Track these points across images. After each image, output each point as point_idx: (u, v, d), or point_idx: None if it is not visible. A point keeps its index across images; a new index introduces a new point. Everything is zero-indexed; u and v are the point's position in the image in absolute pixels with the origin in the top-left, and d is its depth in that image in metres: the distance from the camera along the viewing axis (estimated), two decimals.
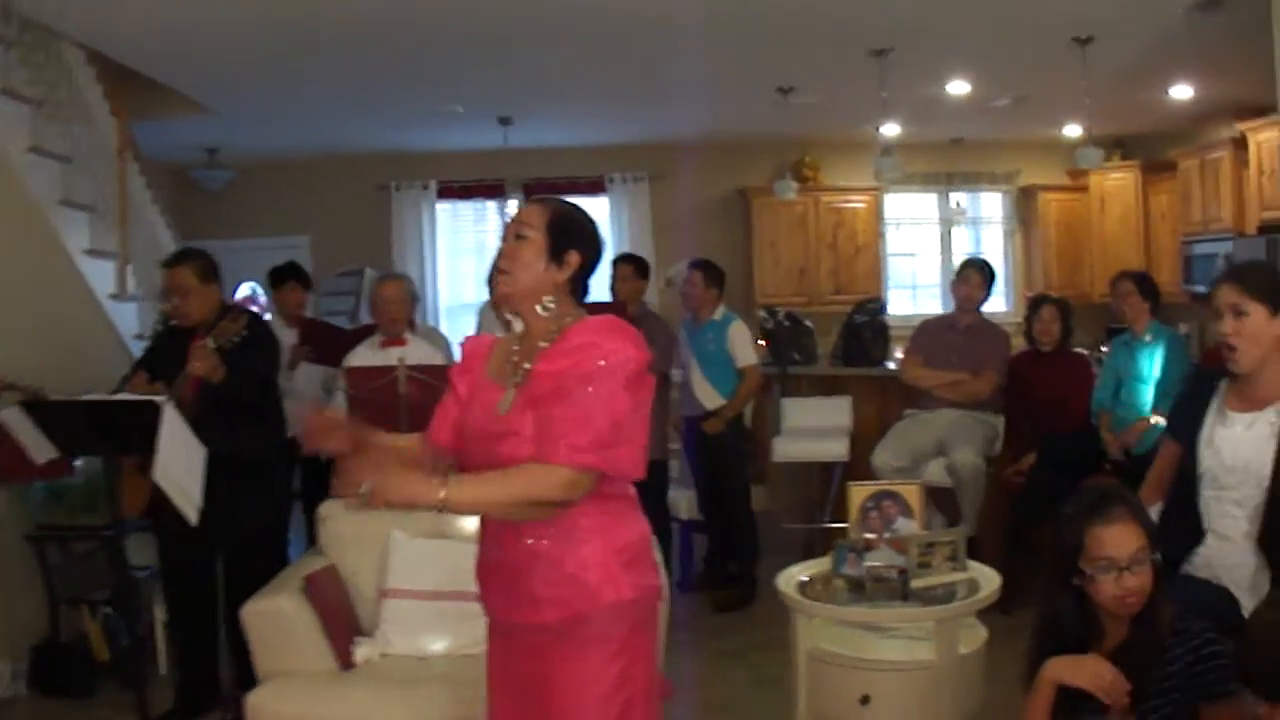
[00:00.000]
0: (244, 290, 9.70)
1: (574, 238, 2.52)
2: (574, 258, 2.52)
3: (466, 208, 10.20)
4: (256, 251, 8.93)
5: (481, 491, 2.35)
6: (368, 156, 9.76)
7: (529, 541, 2.43)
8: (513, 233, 2.53)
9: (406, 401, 4.96)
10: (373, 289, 5.43)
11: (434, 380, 4.69)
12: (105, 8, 5.59)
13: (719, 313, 6.06)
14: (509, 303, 2.60)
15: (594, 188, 9.94)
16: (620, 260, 6.15)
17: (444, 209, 10.15)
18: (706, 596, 6.11)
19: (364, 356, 5.36)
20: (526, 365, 2.46)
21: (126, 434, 4.12)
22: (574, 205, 2.62)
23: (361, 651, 3.87)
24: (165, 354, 4.83)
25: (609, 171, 9.98)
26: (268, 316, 6.53)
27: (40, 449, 4.27)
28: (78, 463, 5.07)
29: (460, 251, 10.24)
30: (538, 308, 2.51)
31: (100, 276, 6.21)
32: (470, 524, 4.01)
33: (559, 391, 2.36)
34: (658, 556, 2.67)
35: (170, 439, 3.98)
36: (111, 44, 6.26)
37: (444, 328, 9.49)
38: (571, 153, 9.78)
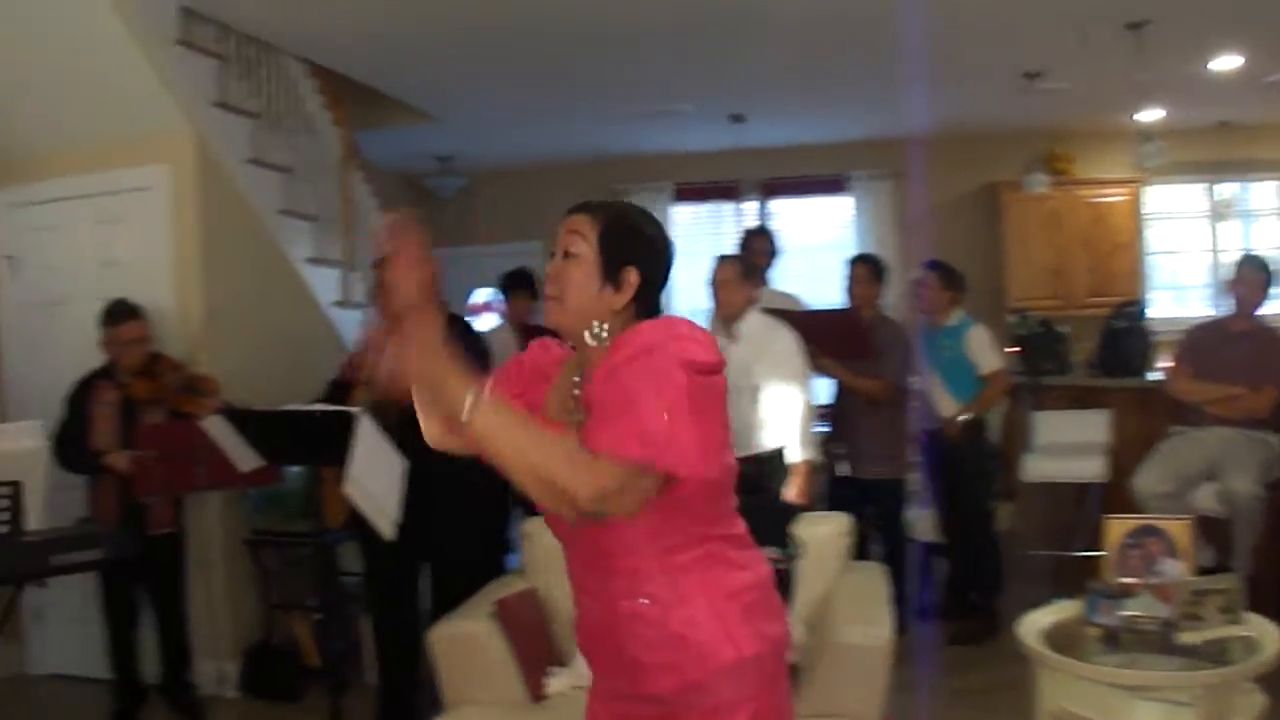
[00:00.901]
0: (482, 296, 9.74)
1: (632, 251, 2.10)
2: (632, 276, 2.09)
3: (702, 210, 9.92)
4: (490, 258, 8.90)
5: (510, 433, 1.87)
6: (600, 160, 9.63)
7: (624, 603, 2.08)
8: (562, 248, 2.12)
9: None
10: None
11: None
12: (323, 22, 5.63)
13: (956, 317, 5.55)
14: (562, 333, 2.17)
15: (834, 186, 9.48)
16: (855, 261, 5.74)
17: (679, 212, 9.90)
18: (944, 627, 5.61)
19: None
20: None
21: (324, 444, 4.00)
22: (633, 209, 2.20)
23: (555, 683, 3.62)
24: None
25: (850, 169, 9.50)
26: (499, 322, 6.49)
27: (244, 457, 4.24)
28: (295, 469, 5.09)
29: (696, 256, 9.95)
30: (587, 335, 2.10)
31: (324, 284, 6.24)
32: None
33: (607, 384, 1.96)
34: (780, 600, 2.24)
35: (364, 450, 3.83)
36: (331, 56, 6.30)
37: None
38: (809, 150, 9.35)
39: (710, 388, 1.97)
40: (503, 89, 7.16)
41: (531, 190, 9.83)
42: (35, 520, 3.78)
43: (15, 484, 3.69)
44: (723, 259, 4.95)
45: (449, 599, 4.22)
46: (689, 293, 9.55)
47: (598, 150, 9.35)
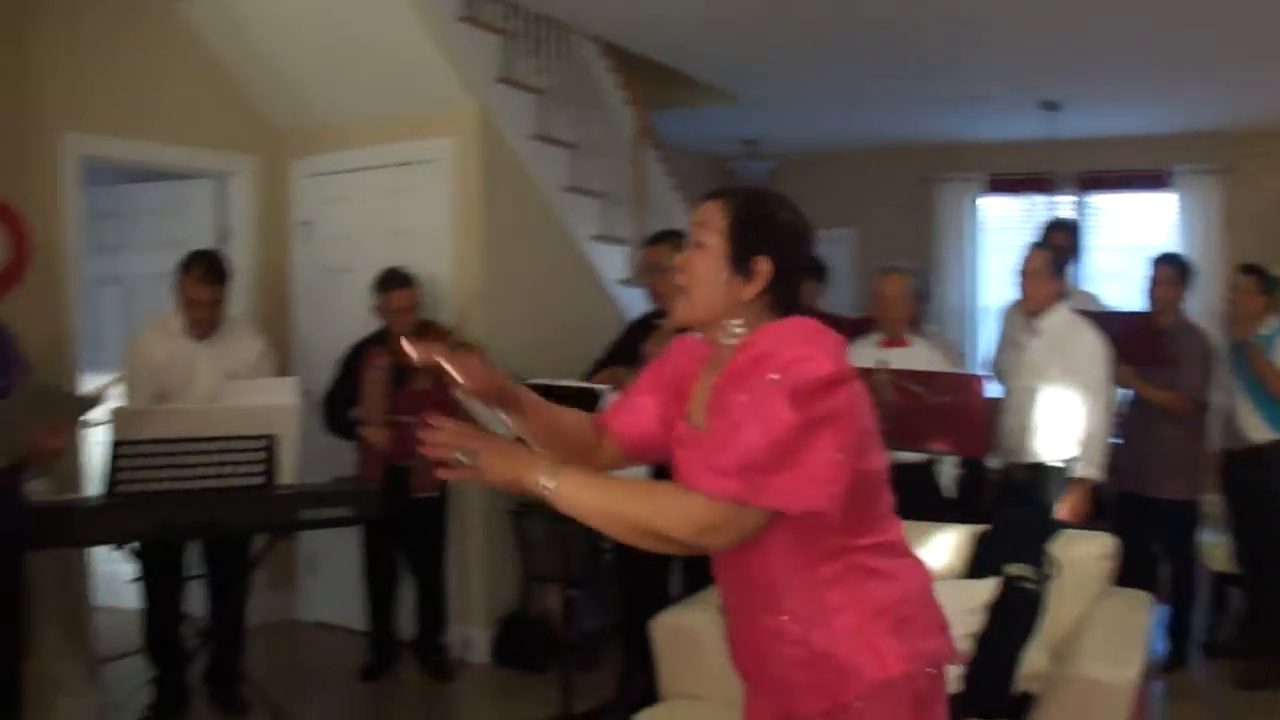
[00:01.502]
0: None
1: (763, 238, 1.93)
2: (764, 265, 1.92)
3: (1013, 203, 9.36)
4: None
5: (594, 498, 1.84)
6: (911, 148, 9.27)
7: (766, 620, 1.94)
8: (692, 239, 1.98)
9: (889, 410, 4.42)
10: (874, 283, 4.91)
11: (927, 391, 4.11)
12: (616, 1, 5.60)
13: (1270, 326, 4.90)
14: (693, 329, 2.06)
15: (1156, 182, 8.69)
16: (1159, 260, 5.17)
17: (989, 204, 9.38)
18: (1232, 666, 5.00)
19: (856, 355, 4.86)
20: None
21: None
22: (766, 194, 2.02)
23: None
24: (630, 338, 4.75)
25: (1173, 164, 8.68)
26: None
27: (500, 429, 4.26)
28: None
29: (1005, 250, 9.43)
30: (721, 335, 1.96)
31: (609, 262, 6.24)
32: (938, 555, 3.52)
33: (713, 405, 1.84)
34: (940, 612, 2.03)
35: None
36: (625, 35, 6.27)
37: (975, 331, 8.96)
38: (1130, 143, 8.60)
39: (826, 405, 1.78)
40: (808, 71, 6.96)
41: (843, 176, 9.60)
42: (288, 475, 3.95)
43: (270, 438, 3.86)
44: (1033, 247, 4.65)
45: (697, 590, 4.11)
46: (997, 287, 9.16)
47: (908, 137, 9.01)
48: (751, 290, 1.93)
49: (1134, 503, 4.94)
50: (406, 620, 5.17)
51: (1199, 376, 4.87)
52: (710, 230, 1.95)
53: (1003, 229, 9.18)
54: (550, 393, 3.98)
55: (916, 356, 4.55)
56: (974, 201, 9.33)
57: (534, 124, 5.69)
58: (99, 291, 5.92)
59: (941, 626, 2.00)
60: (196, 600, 4.69)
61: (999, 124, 8.33)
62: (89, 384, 5.82)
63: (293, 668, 5.34)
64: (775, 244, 1.94)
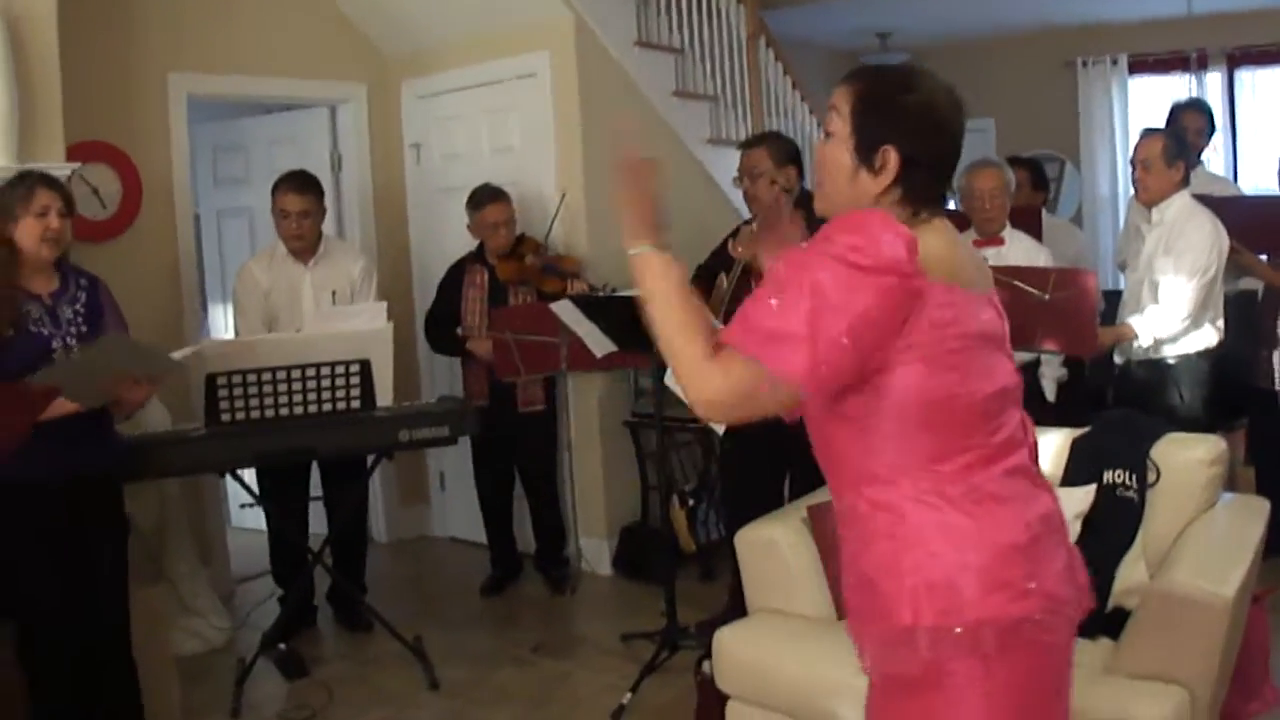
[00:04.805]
0: None
1: (889, 125, 1.76)
2: (890, 156, 1.76)
3: (1159, 83, 8.77)
4: None
5: (661, 309, 1.75)
6: (1050, 31, 8.73)
7: (833, 525, 1.84)
8: (824, 127, 1.85)
9: None
10: (963, 179, 4.67)
11: (1032, 288, 3.89)
12: None
13: None
14: None
15: None
16: None
17: (1135, 85, 8.82)
18: None
19: None
20: None
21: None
22: (899, 73, 1.85)
23: None
24: (725, 246, 4.65)
25: None
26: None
27: (597, 342, 4.26)
28: None
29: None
30: None
31: (724, 165, 6.10)
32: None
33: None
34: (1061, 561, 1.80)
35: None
36: None
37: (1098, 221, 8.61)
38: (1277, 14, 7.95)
39: (852, 289, 1.63)
40: None
41: (980, 65, 9.10)
42: (384, 396, 4.02)
43: (364, 362, 3.93)
44: (1146, 134, 4.34)
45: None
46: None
47: (1044, 20, 8.48)
48: (880, 183, 1.78)
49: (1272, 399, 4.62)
50: (529, 534, 5.25)
51: None
52: (837, 117, 1.82)
53: (1149, 111, 8.63)
54: (628, 303, 3.97)
55: (1012, 254, 4.33)
56: (1118, 84, 8.77)
57: (635, 30, 5.56)
58: (227, 223, 6.10)
59: (1051, 567, 1.76)
60: (322, 521, 4.85)
61: (1138, 2, 7.79)
62: (214, 315, 6.09)
63: (419, 583, 5.50)
64: (902, 131, 1.77)
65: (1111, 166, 8.76)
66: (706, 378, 1.68)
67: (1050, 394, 4.39)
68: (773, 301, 1.66)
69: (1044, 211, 5.45)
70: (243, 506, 5.07)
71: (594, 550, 5.36)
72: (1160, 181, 4.15)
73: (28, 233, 3.19)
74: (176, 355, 3.45)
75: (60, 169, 3.83)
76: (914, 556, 1.72)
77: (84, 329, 3.29)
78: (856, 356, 1.65)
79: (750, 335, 1.66)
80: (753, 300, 1.69)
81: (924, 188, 1.79)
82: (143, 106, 5.02)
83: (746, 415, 1.73)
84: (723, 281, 4.40)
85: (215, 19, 5.23)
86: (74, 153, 4.24)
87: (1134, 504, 3.16)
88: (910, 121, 1.77)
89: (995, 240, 4.43)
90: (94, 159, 4.69)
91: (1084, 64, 8.84)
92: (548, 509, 5.16)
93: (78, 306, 3.31)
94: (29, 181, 3.26)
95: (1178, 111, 5.32)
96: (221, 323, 5.98)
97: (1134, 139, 4.22)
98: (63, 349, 3.22)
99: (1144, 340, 4.11)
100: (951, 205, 4.44)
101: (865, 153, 1.77)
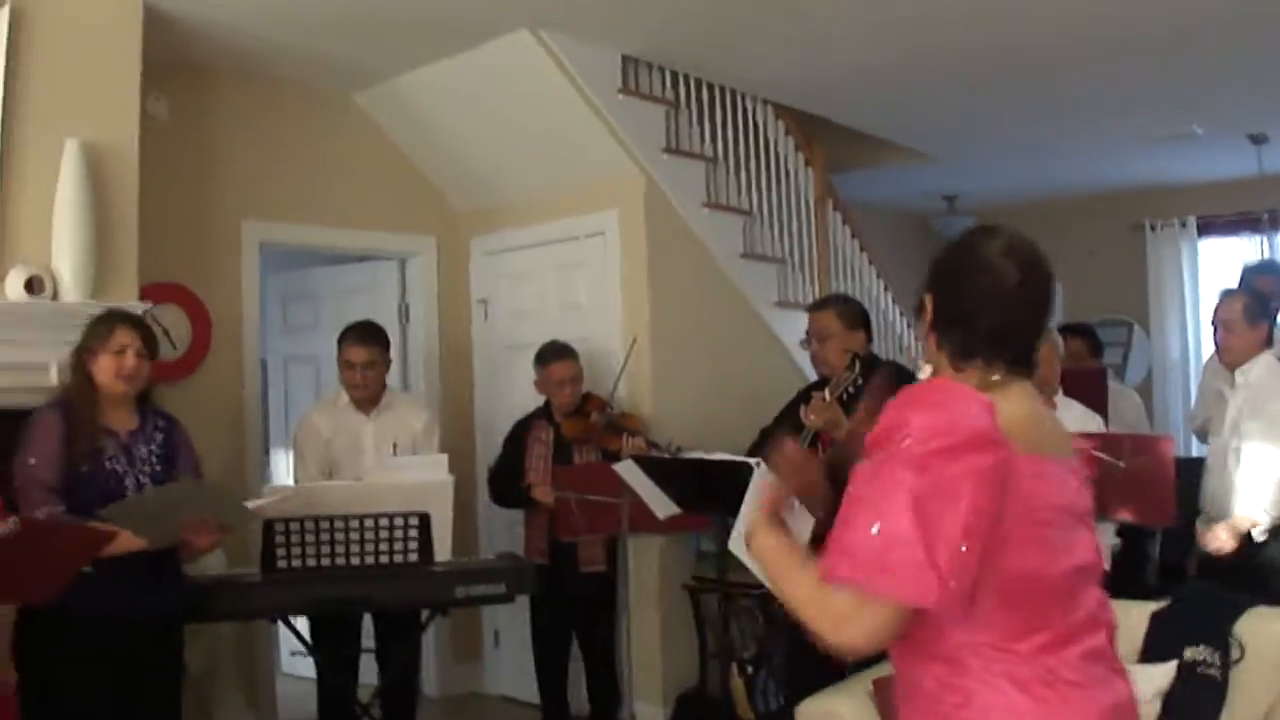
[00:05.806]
0: None
1: (931, 273, 1.81)
2: (925, 302, 1.81)
3: (1229, 245, 8.70)
4: None
5: (771, 559, 1.83)
6: (1116, 193, 8.78)
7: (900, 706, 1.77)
8: None
9: None
10: None
11: (1109, 456, 3.77)
12: (783, 64, 5.53)
13: None
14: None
15: None
16: None
17: (1205, 246, 8.77)
18: None
19: None
20: None
21: (729, 494, 3.85)
22: (970, 231, 1.85)
23: None
24: (795, 404, 4.61)
25: None
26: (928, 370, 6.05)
27: (659, 504, 4.20)
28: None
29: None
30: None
31: (792, 327, 6.10)
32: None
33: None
34: None
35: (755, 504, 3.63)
36: (799, 97, 6.16)
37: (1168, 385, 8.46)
38: None
39: (950, 476, 1.57)
40: (997, 122, 6.73)
41: (1048, 227, 9.02)
42: (442, 551, 3.96)
43: (424, 515, 3.88)
44: (1227, 294, 4.31)
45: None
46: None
47: (1111, 183, 8.54)
48: (920, 327, 1.87)
49: None
50: (583, 696, 5.10)
51: None
52: None
53: (1219, 272, 8.56)
54: (703, 467, 3.91)
55: (1064, 422, 4.23)
56: (1188, 246, 8.73)
57: (704, 192, 5.64)
58: (294, 369, 6.17)
59: None
60: (373, 672, 4.76)
61: (1207, 163, 7.79)
62: (275, 460, 6.10)
63: None
64: (934, 279, 1.83)
65: (1181, 329, 8.65)
66: (843, 631, 1.62)
67: (1106, 563, 4.24)
68: (874, 529, 1.59)
69: (1109, 375, 5.38)
70: (294, 654, 4.99)
71: (649, 717, 5.19)
72: (1243, 342, 4.08)
73: (104, 369, 3.27)
74: (251, 505, 3.45)
75: (133, 308, 3.89)
76: None
77: (158, 469, 3.33)
78: (980, 553, 1.59)
79: (865, 571, 1.59)
80: (850, 529, 1.62)
81: (962, 343, 1.76)
82: (216, 251, 5.16)
83: (866, 638, 1.65)
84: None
85: (291, 169, 5.39)
86: (147, 293, 4.33)
87: (1216, 683, 3.01)
88: (941, 271, 1.81)
89: (1047, 404, 4.33)
90: (166, 299, 4.79)
91: (1152, 227, 8.83)
92: (604, 671, 5.02)
93: (154, 446, 3.36)
94: (111, 319, 3.35)
95: (1249, 274, 5.27)
96: (283, 468, 5.99)
97: (1204, 301, 4.19)
98: (135, 487, 3.25)
99: (1264, 522, 3.96)
100: None
101: (919, 304, 1.83)
